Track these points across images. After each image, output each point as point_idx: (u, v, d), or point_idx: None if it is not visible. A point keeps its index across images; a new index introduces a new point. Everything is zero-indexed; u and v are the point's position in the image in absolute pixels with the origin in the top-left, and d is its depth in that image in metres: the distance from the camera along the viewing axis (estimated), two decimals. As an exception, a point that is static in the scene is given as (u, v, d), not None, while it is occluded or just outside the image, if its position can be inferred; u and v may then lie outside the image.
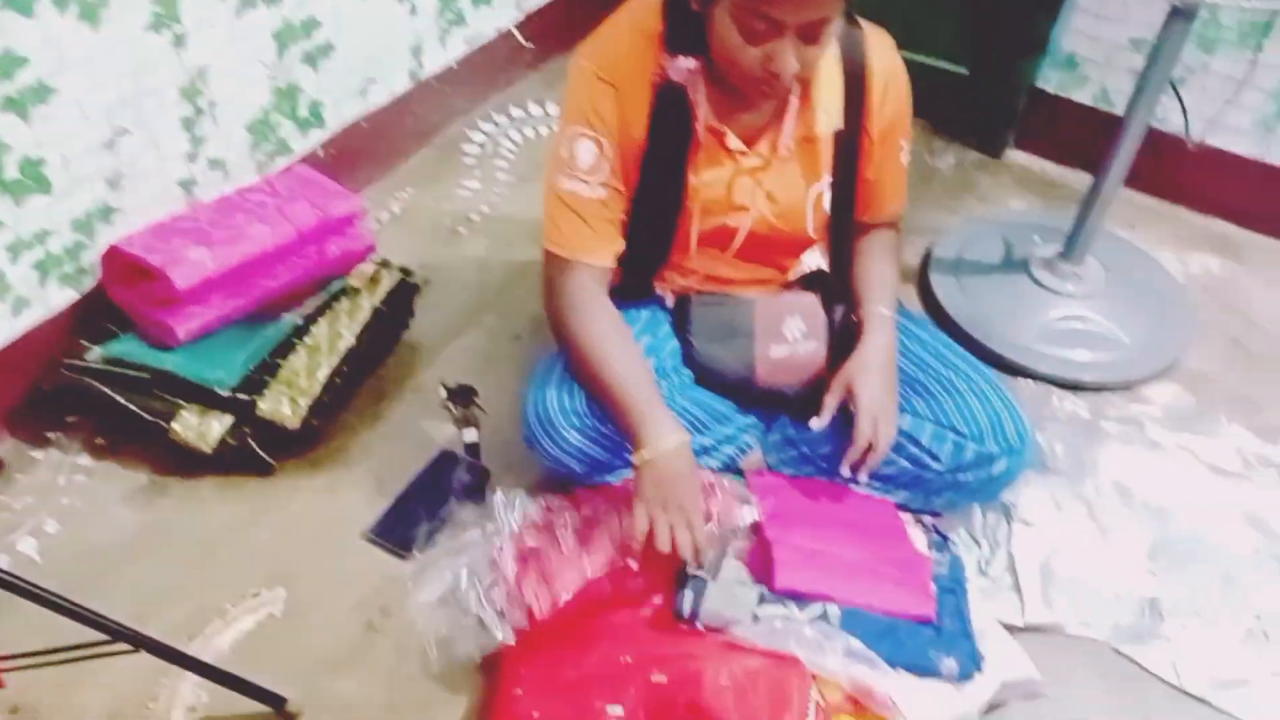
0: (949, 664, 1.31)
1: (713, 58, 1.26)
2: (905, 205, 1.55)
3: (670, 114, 1.33)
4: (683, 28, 1.27)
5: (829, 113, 1.36)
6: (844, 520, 1.47)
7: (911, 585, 1.40)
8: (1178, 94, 2.03)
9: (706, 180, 1.39)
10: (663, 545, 1.27)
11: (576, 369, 1.42)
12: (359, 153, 2.16)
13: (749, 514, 1.49)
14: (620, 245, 1.42)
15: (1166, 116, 2.21)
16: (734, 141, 1.36)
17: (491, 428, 1.71)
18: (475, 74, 2.42)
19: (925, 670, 1.31)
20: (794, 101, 1.34)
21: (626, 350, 1.38)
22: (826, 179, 1.42)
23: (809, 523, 1.46)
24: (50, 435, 1.68)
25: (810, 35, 1.17)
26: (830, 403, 1.42)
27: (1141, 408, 1.82)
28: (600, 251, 1.40)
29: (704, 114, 1.34)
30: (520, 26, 2.50)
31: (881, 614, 1.36)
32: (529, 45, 2.54)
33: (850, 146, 1.41)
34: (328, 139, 2.07)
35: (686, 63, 1.29)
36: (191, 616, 1.44)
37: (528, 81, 2.58)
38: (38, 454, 1.66)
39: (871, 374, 1.41)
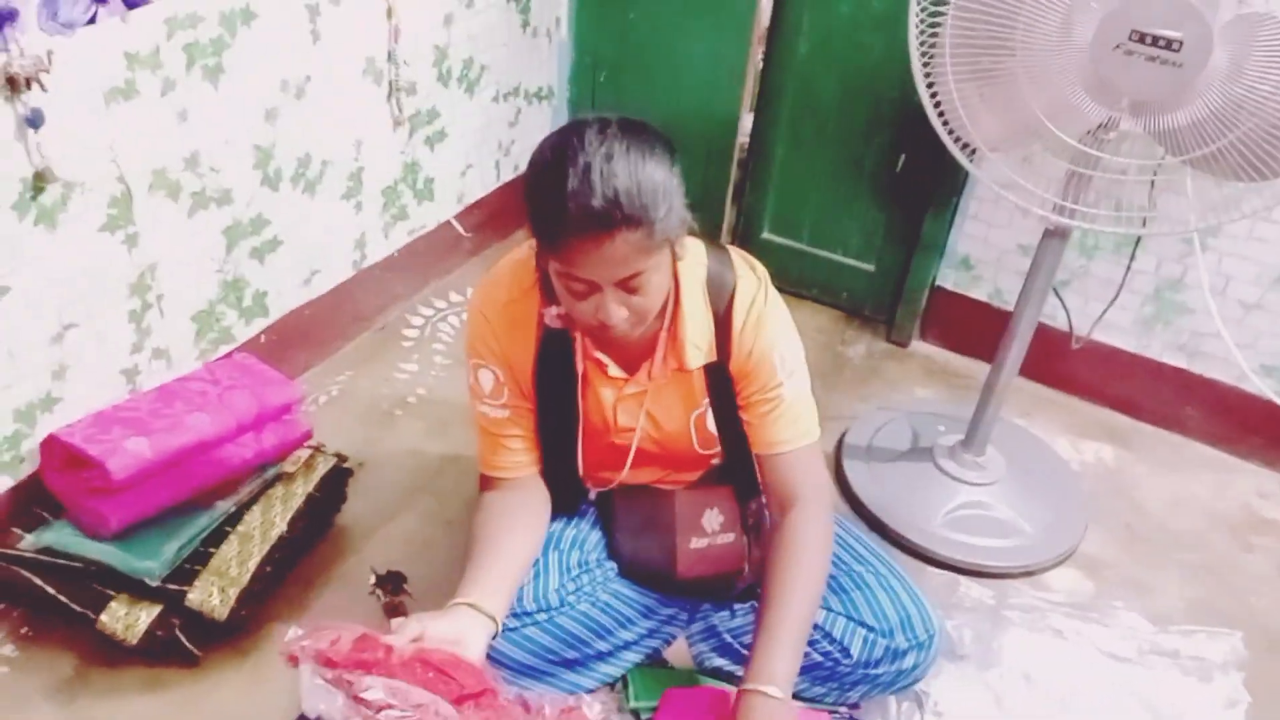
0: None
1: None
2: (811, 435, 1.46)
3: (554, 351, 1.44)
4: (549, 278, 1.37)
5: (699, 348, 1.43)
6: None
7: None
8: (1060, 298, 2.22)
9: (593, 406, 1.49)
10: None
11: None
12: (300, 338, 2.24)
13: None
14: (532, 455, 1.50)
15: (1055, 314, 2.41)
16: (614, 370, 1.45)
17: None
18: (415, 261, 2.54)
19: None
20: (663, 336, 1.43)
21: (496, 532, 1.40)
22: (705, 404, 1.49)
23: None
24: (-28, 625, 1.67)
25: (628, 288, 1.24)
26: None
27: (1043, 594, 1.92)
28: (513, 465, 1.49)
29: (583, 347, 1.44)
30: (459, 217, 2.64)
31: None
32: (468, 235, 2.68)
33: (721, 376, 1.46)
34: (269, 325, 2.15)
35: (556, 310, 1.39)
36: (109, 820, 1.42)
37: (466, 268, 2.72)
38: (-41, 645, 1.65)
39: None
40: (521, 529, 1.44)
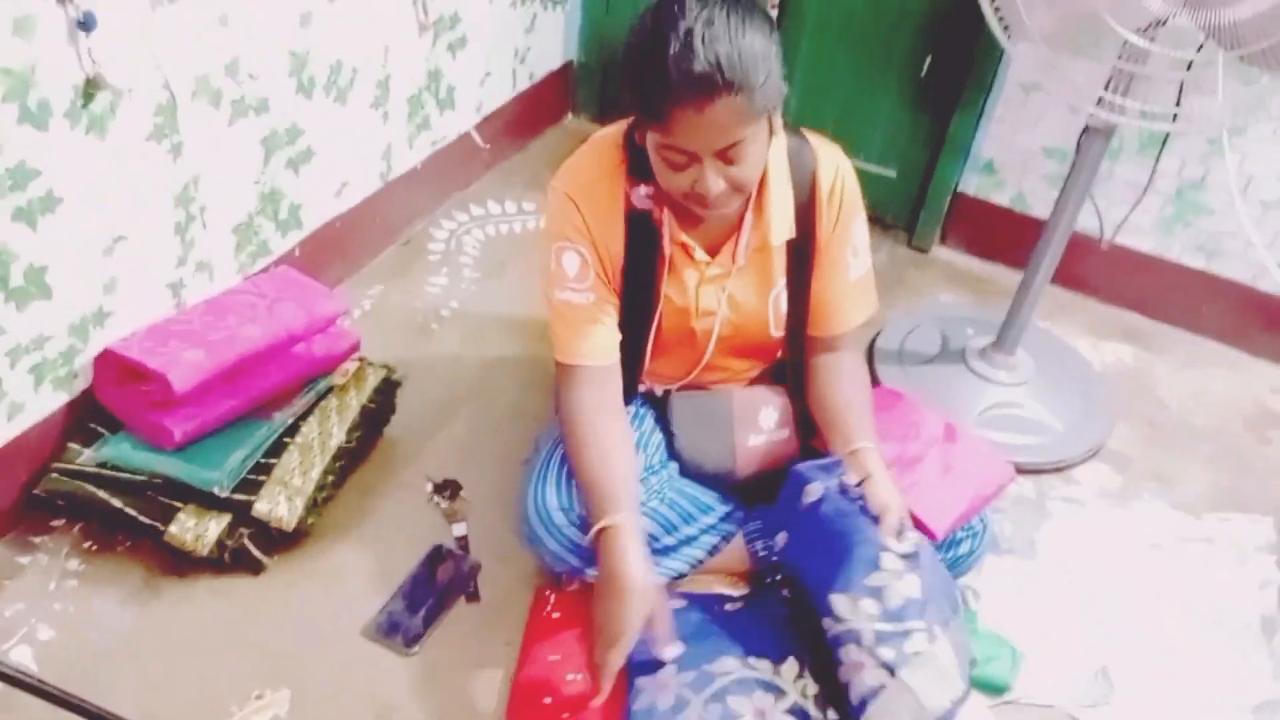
0: None
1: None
2: (863, 321, 1.59)
3: (641, 234, 1.45)
4: (638, 158, 1.39)
5: (781, 223, 1.47)
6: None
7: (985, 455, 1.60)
8: (1093, 201, 2.24)
9: (676, 289, 1.51)
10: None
11: (570, 461, 1.48)
12: (331, 251, 2.22)
13: None
14: (616, 340, 1.50)
15: (1080, 218, 2.43)
16: (699, 253, 1.48)
17: (479, 520, 1.77)
18: (437, 174, 2.51)
19: None
20: (749, 215, 1.46)
21: (610, 441, 1.45)
22: (781, 284, 1.54)
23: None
24: (35, 540, 1.68)
25: (728, 158, 1.27)
26: (893, 525, 1.41)
27: (1075, 488, 1.99)
28: (599, 352, 1.49)
29: (670, 230, 1.46)
30: (478, 128, 2.61)
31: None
32: (485, 145, 2.64)
33: (801, 253, 1.52)
34: (304, 238, 2.13)
35: (645, 189, 1.42)
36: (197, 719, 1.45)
37: (484, 181, 2.69)
38: (24, 559, 1.65)
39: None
40: (625, 430, 1.50)
